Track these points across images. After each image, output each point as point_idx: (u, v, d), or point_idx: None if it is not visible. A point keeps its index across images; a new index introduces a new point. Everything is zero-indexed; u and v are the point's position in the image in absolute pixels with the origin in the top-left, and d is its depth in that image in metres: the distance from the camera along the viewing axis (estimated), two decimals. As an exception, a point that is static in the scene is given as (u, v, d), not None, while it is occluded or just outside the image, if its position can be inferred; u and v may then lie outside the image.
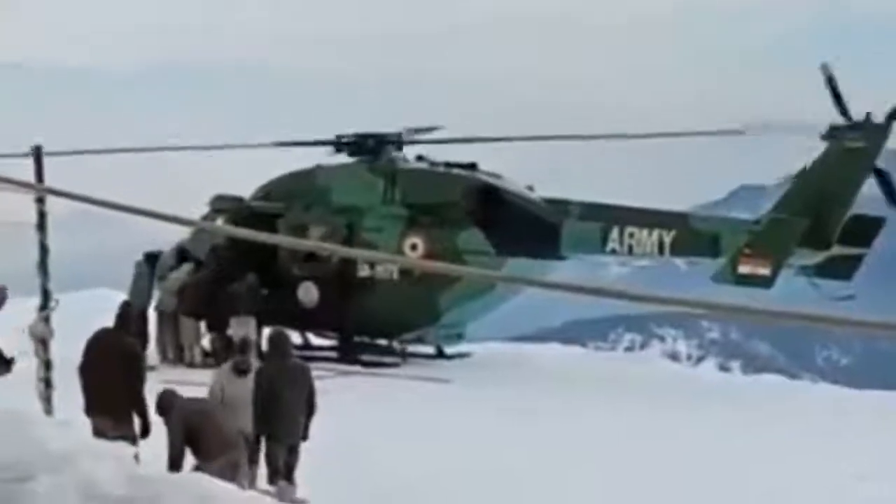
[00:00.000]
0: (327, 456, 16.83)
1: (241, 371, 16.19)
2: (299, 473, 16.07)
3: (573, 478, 17.38)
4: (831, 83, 23.85)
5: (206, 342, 26.60)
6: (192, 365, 25.63)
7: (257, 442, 15.88)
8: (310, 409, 16.20)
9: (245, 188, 28.85)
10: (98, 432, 14.62)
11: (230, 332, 25.29)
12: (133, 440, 14.83)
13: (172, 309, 26.46)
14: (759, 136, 25.67)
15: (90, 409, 15.50)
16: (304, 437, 16.16)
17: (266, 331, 27.03)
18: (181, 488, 9.35)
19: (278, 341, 16.54)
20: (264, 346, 18.07)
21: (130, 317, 16.58)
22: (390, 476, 16.78)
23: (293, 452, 16.04)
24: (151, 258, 27.26)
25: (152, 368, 24.63)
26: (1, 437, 10.09)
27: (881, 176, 24.73)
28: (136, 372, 15.75)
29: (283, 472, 15.91)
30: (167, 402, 15.07)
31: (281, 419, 15.90)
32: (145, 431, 15.40)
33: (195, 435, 14.67)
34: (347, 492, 16.06)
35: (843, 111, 24.04)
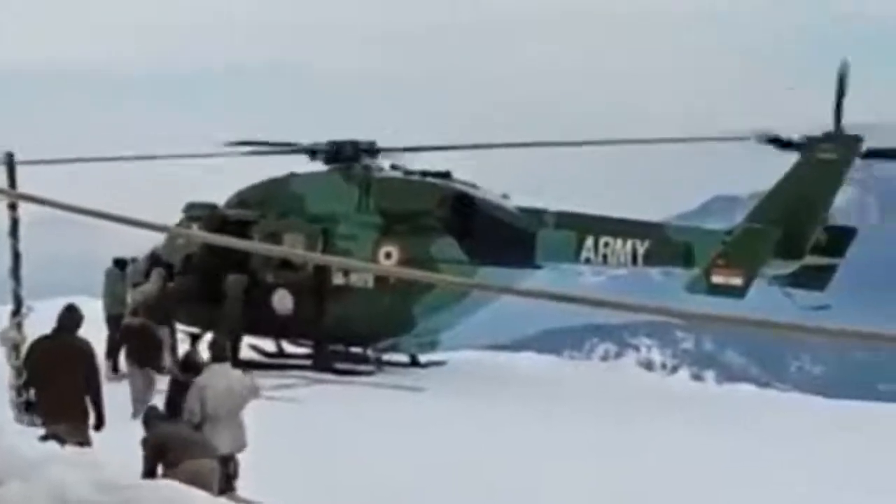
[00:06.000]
0: (305, 465, 16.84)
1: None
2: (274, 483, 15.99)
3: (547, 487, 17.39)
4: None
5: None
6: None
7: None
8: None
9: (223, 196, 28.79)
10: (53, 438, 14.53)
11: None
12: (89, 444, 14.79)
13: (145, 317, 26.27)
14: (733, 147, 25.78)
15: (45, 415, 15.41)
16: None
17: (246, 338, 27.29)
18: (153, 494, 9.33)
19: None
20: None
21: (74, 320, 16.27)
22: (365, 486, 16.75)
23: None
24: (121, 264, 27.17)
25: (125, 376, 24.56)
26: (-28, 444, 10.05)
27: (875, 153, 24.63)
28: (94, 371, 15.69)
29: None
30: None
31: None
32: (100, 425, 15.36)
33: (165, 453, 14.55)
34: (326, 502, 16.00)
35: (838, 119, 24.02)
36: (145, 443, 14.44)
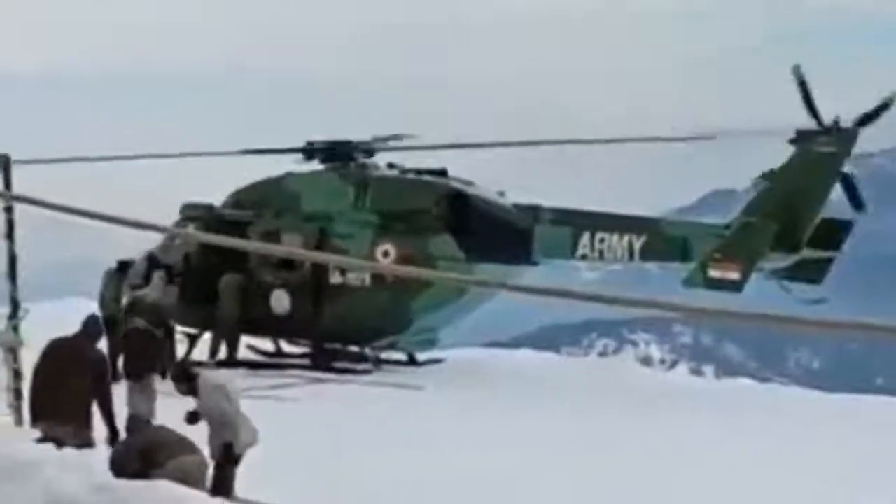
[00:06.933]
0: (304, 464, 16.80)
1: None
2: (273, 483, 15.94)
3: (546, 485, 17.38)
4: (803, 87, 23.93)
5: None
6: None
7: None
8: None
9: (219, 196, 28.72)
10: (52, 440, 14.48)
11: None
12: (92, 446, 14.77)
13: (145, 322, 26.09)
14: (731, 142, 25.81)
15: (45, 416, 15.34)
16: None
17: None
18: (148, 494, 9.32)
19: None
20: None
21: (96, 328, 16.33)
22: (365, 484, 16.73)
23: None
24: (124, 266, 27.03)
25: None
26: (-31, 447, 10.03)
27: (846, 180, 24.84)
28: (105, 380, 15.72)
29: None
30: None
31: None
32: (114, 439, 15.34)
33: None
34: (326, 501, 15.99)
35: (815, 115, 24.11)
36: (129, 447, 14.34)
